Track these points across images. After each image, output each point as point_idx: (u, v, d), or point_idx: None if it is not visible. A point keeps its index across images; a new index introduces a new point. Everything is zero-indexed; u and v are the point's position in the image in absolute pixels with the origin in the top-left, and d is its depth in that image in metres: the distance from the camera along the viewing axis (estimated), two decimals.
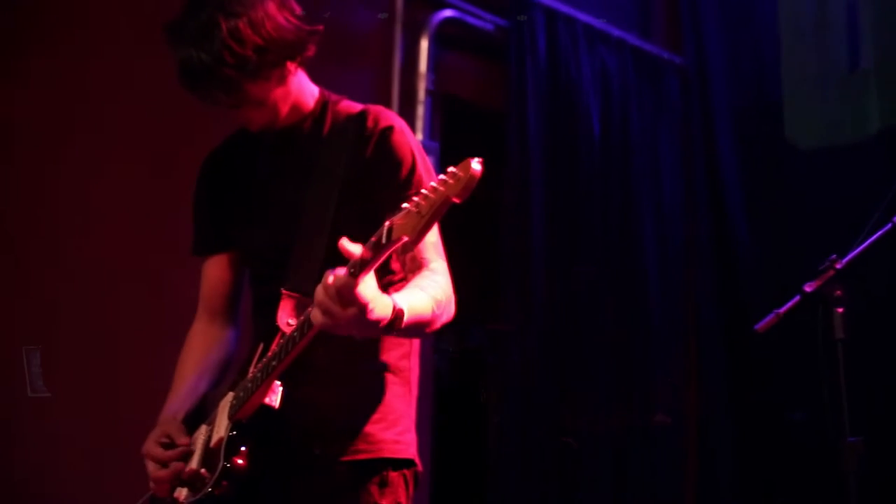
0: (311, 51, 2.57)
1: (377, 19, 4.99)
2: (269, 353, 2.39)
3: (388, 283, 2.37)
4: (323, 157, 2.58)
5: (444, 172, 1.93)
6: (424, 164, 2.58)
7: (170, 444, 2.57)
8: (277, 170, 2.66)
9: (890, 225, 3.28)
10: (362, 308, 2.08)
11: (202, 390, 2.74)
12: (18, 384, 3.78)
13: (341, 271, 2.09)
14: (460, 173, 1.90)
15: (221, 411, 2.51)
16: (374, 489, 2.50)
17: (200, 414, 2.66)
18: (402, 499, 2.55)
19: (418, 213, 1.94)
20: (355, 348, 2.38)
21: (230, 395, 2.51)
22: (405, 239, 1.96)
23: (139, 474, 2.61)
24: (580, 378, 5.33)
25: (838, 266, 3.11)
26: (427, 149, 4.88)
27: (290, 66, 2.53)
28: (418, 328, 2.35)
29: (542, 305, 5.20)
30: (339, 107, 2.67)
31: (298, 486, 2.49)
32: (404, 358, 2.60)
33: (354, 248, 2.08)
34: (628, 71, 5.88)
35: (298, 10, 2.55)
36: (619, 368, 5.50)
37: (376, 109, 2.63)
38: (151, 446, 2.59)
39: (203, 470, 2.47)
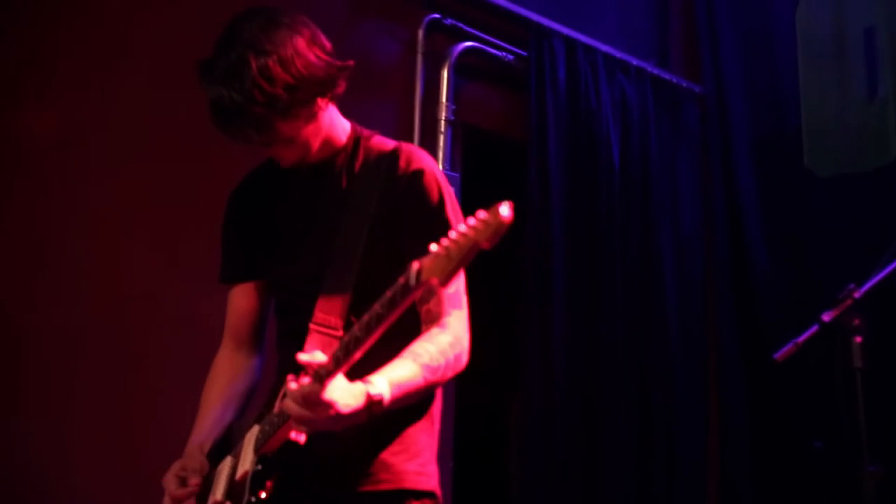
0: (341, 87, 2.59)
1: (399, 50, 5.04)
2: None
3: (391, 336, 2.31)
4: (354, 192, 2.60)
5: (474, 216, 1.90)
6: (453, 206, 2.60)
7: (185, 480, 2.61)
8: (309, 203, 2.68)
9: None
10: (328, 409, 2.16)
11: (228, 420, 2.77)
12: (43, 411, 3.83)
13: (306, 379, 2.16)
14: (490, 219, 1.86)
15: (247, 444, 2.53)
16: None
17: (226, 444, 2.69)
18: None
19: (447, 256, 1.92)
20: None
21: (256, 428, 2.52)
22: (434, 282, 1.94)
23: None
24: (600, 405, 5.33)
25: (856, 295, 3.13)
26: (448, 179, 4.95)
27: (321, 102, 2.55)
28: (410, 398, 2.39)
29: (563, 334, 5.21)
30: (371, 143, 2.69)
31: None
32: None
33: (318, 357, 2.15)
34: (648, 100, 5.91)
35: (329, 46, 2.57)
36: (638, 396, 5.51)
37: (408, 149, 2.65)
38: (170, 480, 2.63)
39: (228, 503, 2.50)
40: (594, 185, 5.51)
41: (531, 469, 5.08)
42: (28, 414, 3.80)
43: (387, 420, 2.44)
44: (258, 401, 2.71)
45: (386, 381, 2.30)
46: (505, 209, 1.87)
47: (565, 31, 5.56)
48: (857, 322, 3.09)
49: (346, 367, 2.15)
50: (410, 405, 2.51)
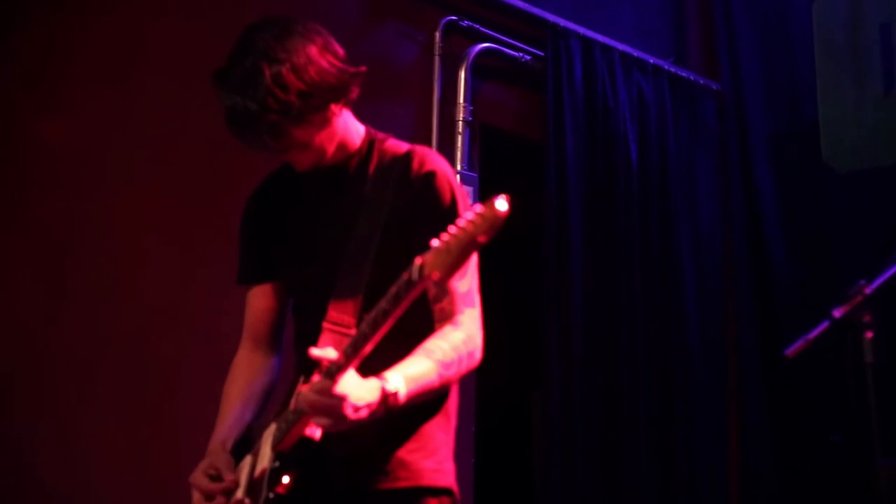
0: (354, 92, 2.62)
1: (417, 52, 5.09)
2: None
3: (405, 335, 2.40)
4: (368, 194, 2.63)
5: (471, 210, 1.96)
6: (466, 207, 2.61)
7: (217, 477, 2.64)
8: (324, 204, 2.72)
9: None
10: (341, 402, 2.21)
11: (248, 418, 2.82)
12: (63, 419, 3.89)
13: (316, 377, 2.23)
14: (486, 212, 1.93)
15: (265, 442, 2.57)
16: None
17: (246, 443, 2.73)
18: None
19: (447, 250, 1.98)
20: None
21: (273, 426, 2.56)
22: (436, 276, 2.00)
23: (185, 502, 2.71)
24: (620, 404, 5.36)
25: (867, 291, 3.14)
26: (466, 179, 4.99)
27: (335, 108, 2.58)
28: (426, 394, 2.43)
29: (582, 332, 5.25)
30: (385, 146, 2.72)
31: None
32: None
33: (329, 353, 2.21)
34: (665, 97, 5.94)
35: (342, 53, 2.60)
36: (659, 393, 5.54)
37: (422, 151, 2.68)
38: (199, 477, 2.66)
39: (247, 500, 2.55)
40: (612, 184, 5.54)
41: (553, 466, 5.12)
42: (49, 423, 3.84)
43: (403, 417, 2.47)
44: (277, 399, 2.75)
45: (401, 377, 2.34)
46: (501, 202, 1.92)
47: (582, 30, 5.59)
48: (867, 318, 3.10)
49: (356, 363, 2.22)
50: (426, 402, 2.53)
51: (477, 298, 2.61)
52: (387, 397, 2.30)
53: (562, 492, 5.09)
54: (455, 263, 1.98)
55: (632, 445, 5.34)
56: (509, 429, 5.84)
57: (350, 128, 2.71)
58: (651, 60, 5.92)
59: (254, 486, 2.55)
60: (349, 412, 2.23)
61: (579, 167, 5.39)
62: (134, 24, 4.20)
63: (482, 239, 1.94)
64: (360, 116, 2.79)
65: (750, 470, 5.88)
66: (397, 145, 2.73)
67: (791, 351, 3.13)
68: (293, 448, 2.47)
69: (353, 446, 2.49)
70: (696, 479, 5.61)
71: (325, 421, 2.27)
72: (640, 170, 5.67)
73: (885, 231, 5.52)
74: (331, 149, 2.65)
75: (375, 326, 2.15)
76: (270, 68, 2.45)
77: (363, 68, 2.62)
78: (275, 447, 2.51)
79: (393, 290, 2.11)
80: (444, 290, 2.54)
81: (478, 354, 2.56)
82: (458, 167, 5.01)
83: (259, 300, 2.91)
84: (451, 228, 1.98)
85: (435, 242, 2.01)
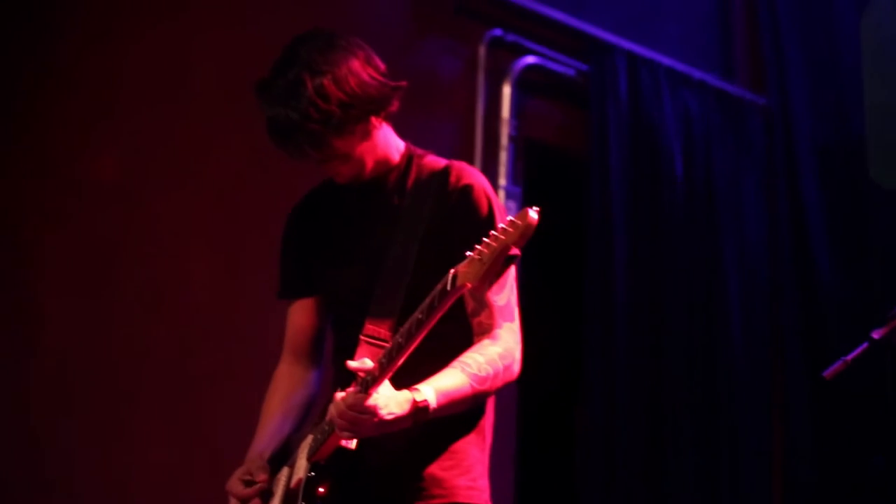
0: (395, 106, 2.66)
1: (461, 67, 5.09)
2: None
3: (444, 350, 2.46)
4: (406, 208, 2.67)
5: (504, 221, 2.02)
6: (502, 220, 2.62)
7: (251, 482, 2.69)
8: (362, 218, 2.75)
9: None
10: (373, 415, 2.26)
11: (287, 431, 2.85)
12: (108, 431, 3.91)
13: (351, 389, 2.27)
14: (518, 221, 2.00)
15: (301, 453, 2.61)
16: None
17: (285, 455, 2.76)
18: None
19: (480, 259, 2.05)
20: None
21: (310, 437, 2.60)
22: (469, 286, 2.05)
23: None
24: (664, 420, 5.33)
25: None
26: (510, 194, 5.00)
27: (375, 120, 2.62)
28: (457, 406, 2.45)
29: (626, 348, 5.23)
30: (423, 161, 2.75)
31: None
32: (477, 406, 2.65)
33: (366, 364, 2.26)
34: (711, 113, 5.90)
35: (383, 67, 2.65)
36: (703, 410, 5.50)
37: (459, 166, 2.71)
38: (234, 483, 2.71)
39: None
40: (657, 200, 5.51)
41: (596, 483, 5.09)
42: (90, 437, 3.90)
43: (437, 434, 2.51)
44: (316, 413, 2.77)
45: (432, 390, 2.37)
46: (532, 213, 1.99)
47: (627, 45, 5.57)
48: None
49: (390, 373, 2.27)
50: (461, 419, 2.57)
51: (516, 312, 2.62)
52: (417, 411, 2.33)
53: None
54: (488, 273, 2.04)
55: (676, 462, 5.31)
56: (552, 444, 5.82)
57: (390, 142, 2.74)
58: (697, 75, 5.89)
59: (290, 496, 2.58)
60: (375, 424, 2.28)
61: (623, 182, 5.37)
62: (178, 36, 4.25)
63: (514, 249, 2.00)
64: (404, 130, 2.81)
65: (794, 489, 5.82)
66: (435, 160, 2.76)
67: (829, 372, 3.10)
68: (329, 459, 2.51)
69: (387, 458, 2.53)
70: (740, 498, 5.56)
71: (353, 433, 2.32)
72: (686, 185, 5.64)
73: None
74: (370, 161, 2.68)
75: (410, 337, 2.20)
76: (313, 79, 2.50)
77: (404, 83, 2.67)
78: (310, 458, 2.54)
79: (427, 300, 2.17)
80: (482, 303, 2.55)
81: (516, 368, 2.57)
82: (503, 182, 5.00)
83: (299, 314, 2.94)
84: (485, 239, 2.04)
85: (469, 253, 2.06)
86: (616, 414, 5.14)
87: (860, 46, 6.06)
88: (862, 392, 5.22)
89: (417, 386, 2.37)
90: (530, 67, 5.28)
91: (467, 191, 2.63)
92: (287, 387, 2.92)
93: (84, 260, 3.99)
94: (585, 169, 5.36)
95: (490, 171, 4.96)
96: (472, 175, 2.69)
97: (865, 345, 3.09)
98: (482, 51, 5.12)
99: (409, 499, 2.56)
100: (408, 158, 2.76)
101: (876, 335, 3.08)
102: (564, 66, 5.43)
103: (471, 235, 2.41)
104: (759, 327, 5.89)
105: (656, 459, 5.28)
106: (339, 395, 2.31)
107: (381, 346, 2.45)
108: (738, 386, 5.66)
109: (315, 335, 2.94)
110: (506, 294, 2.58)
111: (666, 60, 5.75)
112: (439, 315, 2.16)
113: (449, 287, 2.10)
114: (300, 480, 2.53)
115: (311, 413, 2.89)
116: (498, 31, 5.16)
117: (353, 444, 2.41)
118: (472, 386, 2.45)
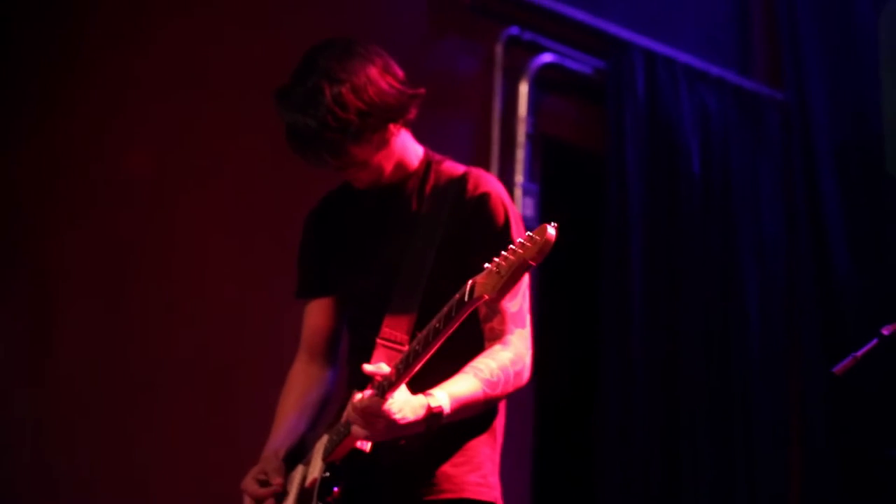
0: (413, 113, 2.69)
1: (478, 65, 5.10)
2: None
3: (456, 353, 2.49)
4: (424, 214, 2.70)
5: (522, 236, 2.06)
6: (518, 229, 2.68)
7: (266, 482, 2.72)
8: (381, 222, 2.79)
9: None
10: (388, 419, 2.30)
11: (302, 429, 2.89)
12: (129, 428, 3.94)
13: (368, 392, 2.31)
14: (537, 237, 2.03)
15: (317, 453, 2.65)
16: None
17: (299, 453, 2.80)
18: None
19: (498, 272, 2.08)
20: None
21: (325, 437, 2.64)
22: (486, 297, 2.09)
23: None
24: (681, 416, 5.33)
25: None
26: (527, 191, 5.01)
27: (393, 128, 2.66)
28: (469, 411, 2.50)
29: (642, 345, 5.23)
30: (441, 167, 2.78)
31: None
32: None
33: (382, 369, 2.30)
34: (728, 109, 5.89)
35: (401, 75, 2.68)
36: (720, 406, 5.50)
37: (477, 173, 2.74)
38: (249, 482, 2.74)
39: None
40: (674, 197, 5.51)
41: (613, 481, 5.11)
42: (108, 437, 3.93)
43: (450, 433, 2.54)
44: (331, 411, 2.80)
45: (446, 395, 2.42)
46: (551, 229, 2.02)
47: (644, 41, 5.57)
48: None
49: (406, 379, 2.31)
50: (473, 419, 2.60)
51: (527, 318, 2.67)
52: (431, 416, 2.38)
53: None
54: (506, 286, 2.08)
55: (692, 459, 5.31)
56: (569, 443, 5.83)
57: (408, 148, 2.77)
58: (714, 71, 5.87)
59: (304, 495, 2.62)
60: (390, 428, 2.33)
61: (640, 179, 5.37)
62: (198, 35, 4.27)
63: (532, 263, 2.04)
64: (422, 129, 2.84)
65: (811, 483, 5.82)
66: (454, 167, 2.79)
67: (839, 368, 3.12)
68: (344, 459, 2.55)
69: (401, 458, 2.57)
70: (757, 492, 5.56)
71: (368, 436, 2.37)
72: (703, 181, 5.63)
73: None
74: (388, 168, 2.71)
75: (427, 344, 2.24)
76: (331, 88, 2.53)
77: (422, 90, 2.70)
78: (326, 458, 2.59)
79: (445, 309, 2.20)
80: (494, 309, 2.59)
81: (526, 374, 2.62)
82: (520, 179, 5.02)
83: (316, 314, 2.98)
84: (503, 252, 2.07)
85: (487, 265, 2.10)
86: (633, 412, 5.15)
87: (878, 43, 6.06)
88: (878, 386, 5.23)
89: (432, 391, 2.41)
90: (547, 65, 5.28)
91: (484, 199, 2.66)
92: (302, 385, 2.96)
93: (103, 259, 4.02)
94: (602, 166, 5.35)
95: (507, 169, 4.98)
96: (490, 183, 2.72)
97: (875, 341, 3.11)
98: (499, 49, 5.13)
99: (421, 494, 2.61)
100: (426, 164, 2.79)
101: (886, 331, 3.09)
102: (581, 64, 5.43)
103: (487, 243, 2.48)
104: (776, 324, 5.88)
105: (673, 458, 5.28)
106: (357, 397, 2.35)
107: (398, 350, 2.50)
108: (756, 384, 5.65)
109: (331, 335, 2.98)
110: (518, 301, 2.62)
111: (683, 57, 5.75)
112: (456, 325, 2.20)
113: (466, 298, 2.14)
114: (315, 480, 2.58)
115: (325, 412, 2.93)
116: (515, 30, 5.17)
117: (368, 446, 2.46)
118: (484, 391, 2.50)
